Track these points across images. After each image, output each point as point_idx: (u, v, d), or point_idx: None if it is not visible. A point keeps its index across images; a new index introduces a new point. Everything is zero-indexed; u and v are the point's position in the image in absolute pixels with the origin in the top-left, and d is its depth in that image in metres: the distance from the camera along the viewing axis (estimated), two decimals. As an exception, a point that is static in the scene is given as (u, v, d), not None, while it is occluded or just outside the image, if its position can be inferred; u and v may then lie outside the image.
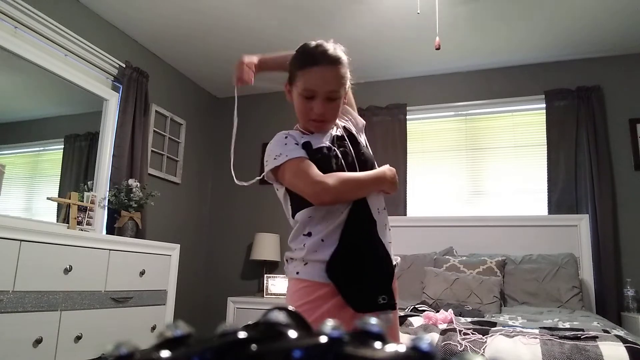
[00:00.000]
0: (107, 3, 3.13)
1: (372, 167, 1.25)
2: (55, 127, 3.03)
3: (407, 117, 3.95)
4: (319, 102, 1.20)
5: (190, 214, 4.21)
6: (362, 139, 1.35)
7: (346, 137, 1.28)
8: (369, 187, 1.20)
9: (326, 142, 1.24)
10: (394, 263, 1.21)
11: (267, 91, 4.33)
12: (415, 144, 3.97)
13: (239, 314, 3.65)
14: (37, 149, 2.94)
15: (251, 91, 4.52)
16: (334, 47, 1.22)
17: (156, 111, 3.78)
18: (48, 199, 2.80)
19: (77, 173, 3.10)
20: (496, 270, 3.04)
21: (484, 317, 2.47)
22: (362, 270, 1.14)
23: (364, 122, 1.43)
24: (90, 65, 3.16)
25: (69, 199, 2.80)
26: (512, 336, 1.84)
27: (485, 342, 1.82)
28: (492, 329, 2.01)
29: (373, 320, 0.24)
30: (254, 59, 1.46)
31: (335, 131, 1.29)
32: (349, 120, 1.38)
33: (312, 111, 1.21)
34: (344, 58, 1.23)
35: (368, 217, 1.19)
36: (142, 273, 2.70)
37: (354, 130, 1.34)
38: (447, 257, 3.28)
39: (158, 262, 2.86)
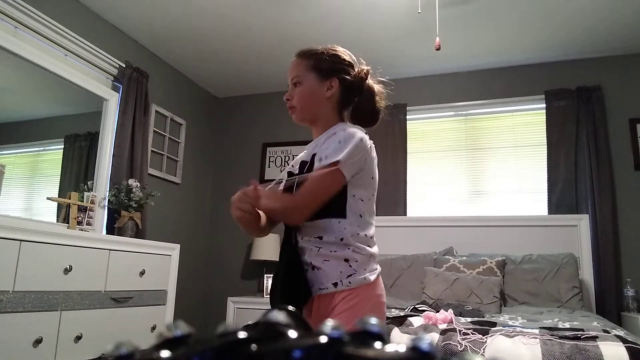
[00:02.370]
0: (107, 3, 3.13)
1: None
2: (55, 127, 3.03)
3: (407, 117, 3.95)
4: (290, 89, 1.33)
5: (190, 214, 4.21)
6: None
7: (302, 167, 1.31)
8: None
9: (288, 168, 1.37)
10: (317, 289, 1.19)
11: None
12: (415, 144, 3.97)
13: (239, 314, 3.65)
14: (37, 149, 2.94)
15: (253, 91, 4.52)
16: (316, 47, 1.34)
17: (156, 111, 3.78)
18: (48, 199, 2.80)
19: (77, 173, 3.10)
20: (496, 270, 3.04)
21: (484, 317, 2.47)
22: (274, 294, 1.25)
23: (333, 136, 1.25)
24: (90, 65, 3.16)
25: (69, 199, 2.80)
26: (512, 336, 1.84)
27: (485, 342, 1.82)
28: (492, 329, 2.01)
29: (373, 320, 0.24)
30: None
31: (311, 150, 1.31)
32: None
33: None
34: (314, 50, 1.32)
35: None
36: (142, 273, 2.70)
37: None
38: (447, 257, 3.28)
39: (158, 262, 2.86)
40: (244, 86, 4.40)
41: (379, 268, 1.27)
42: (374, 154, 1.27)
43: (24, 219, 2.66)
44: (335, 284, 1.18)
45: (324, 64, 1.29)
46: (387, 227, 3.59)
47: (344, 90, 1.30)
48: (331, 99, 1.30)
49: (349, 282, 1.18)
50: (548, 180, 3.50)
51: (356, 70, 1.32)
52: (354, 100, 1.33)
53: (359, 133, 1.23)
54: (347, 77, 1.29)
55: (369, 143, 1.25)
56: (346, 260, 1.19)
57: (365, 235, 1.23)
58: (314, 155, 1.26)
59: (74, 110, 3.15)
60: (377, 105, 1.33)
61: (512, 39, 3.44)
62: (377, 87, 1.34)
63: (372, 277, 1.21)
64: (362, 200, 1.23)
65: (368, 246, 1.23)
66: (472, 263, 3.13)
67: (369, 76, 1.33)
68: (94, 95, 3.17)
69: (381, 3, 3.02)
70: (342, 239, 1.20)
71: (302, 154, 1.38)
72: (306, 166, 1.28)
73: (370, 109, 1.32)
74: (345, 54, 1.33)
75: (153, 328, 2.76)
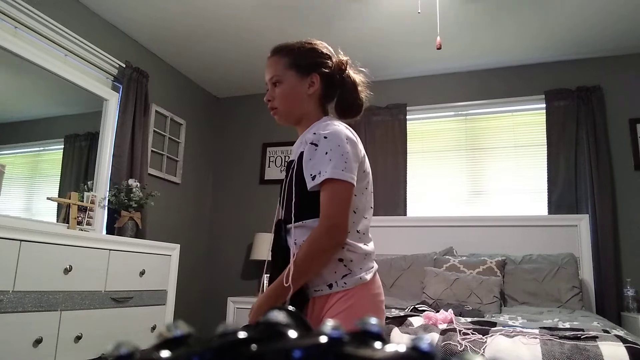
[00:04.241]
0: (107, 3, 3.13)
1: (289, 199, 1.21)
2: (55, 127, 3.03)
3: (407, 117, 3.95)
4: (269, 89, 1.29)
5: (190, 214, 4.21)
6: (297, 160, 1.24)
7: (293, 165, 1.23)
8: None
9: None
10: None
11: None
12: (415, 144, 3.97)
13: (239, 314, 3.65)
14: (37, 149, 2.94)
15: (253, 91, 4.52)
16: (291, 42, 1.29)
17: (156, 111, 3.78)
18: (48, 199, 2.80)
19: (77, 173, 3.10)
20: (496, 270, 3.04)
21: (484, 317, 2.47)
22: None
23: (314, 137, 1.19)
24: (90, 65, 3.16)
25: (69, 199, 2.80)
26: (512, 336, 1.84)
27: (485, 342, 1.82)
28: (492, 329, 2.01)
29: (373, 320, 0.24)
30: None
31: (299, 148, 1.24)
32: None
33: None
34: (290, 46, 1.28)
35: None
36: (142, 273, 2.70)
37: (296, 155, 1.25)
38: (447, 257, 3.28)
39: (158, 262, 2.86)
40: (244, 86, 4.40)
41: (375, 266, 1.23)
42: (361, 146, 1.23)
43: (24, 219, 2.66)
44: (330, 285, 1.15)
45: (303, 60, 1.25)
46: (387, 227, 3.60)
47: (325, 84, 1.27)
48: (313, 95, 1.27)
49: (344, 283, 1.14)
50: (548, 180, 3.50)
51: (334, 61, 1.29)
52: (337, 93, 1.30)
53: (342, 132, 1.17)
54: (327, 70, 1.27)
55: (354, 137, 1.20)
56: (340, 260, 1.15)
57: (358, 231, 1.19)
58: (301, 153, 1.20)
59: (74, 110, 3.15)
60: (359, 96, 1.30)
61: (512, 39, 3.44)
62: (358, 78, 1.31)
63: (368, 276, 1.18)
64: (355, 195, 1.18)
65: (363, 244, 1.19)
66: (472, 263, 3.13)
67: (348, 66, 1.30)
68: (94, 95, 3.17)
69: (381, 3, 3.02)
70: None
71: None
72: (292, 165, 1.23)
73: (353, 100, 1.30)
74: (322, 46, 1.30)
75: (153, 328, 2.76)
